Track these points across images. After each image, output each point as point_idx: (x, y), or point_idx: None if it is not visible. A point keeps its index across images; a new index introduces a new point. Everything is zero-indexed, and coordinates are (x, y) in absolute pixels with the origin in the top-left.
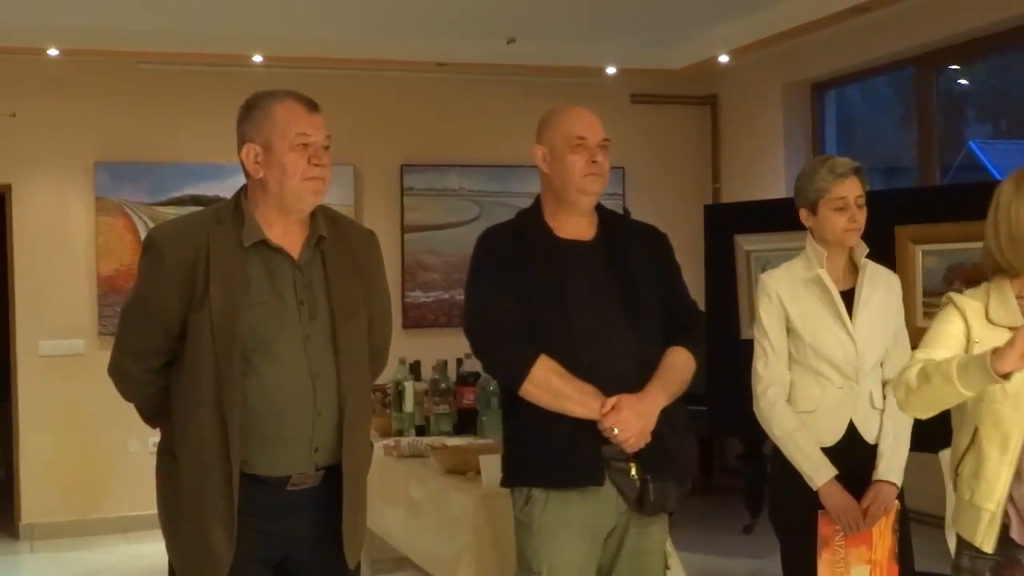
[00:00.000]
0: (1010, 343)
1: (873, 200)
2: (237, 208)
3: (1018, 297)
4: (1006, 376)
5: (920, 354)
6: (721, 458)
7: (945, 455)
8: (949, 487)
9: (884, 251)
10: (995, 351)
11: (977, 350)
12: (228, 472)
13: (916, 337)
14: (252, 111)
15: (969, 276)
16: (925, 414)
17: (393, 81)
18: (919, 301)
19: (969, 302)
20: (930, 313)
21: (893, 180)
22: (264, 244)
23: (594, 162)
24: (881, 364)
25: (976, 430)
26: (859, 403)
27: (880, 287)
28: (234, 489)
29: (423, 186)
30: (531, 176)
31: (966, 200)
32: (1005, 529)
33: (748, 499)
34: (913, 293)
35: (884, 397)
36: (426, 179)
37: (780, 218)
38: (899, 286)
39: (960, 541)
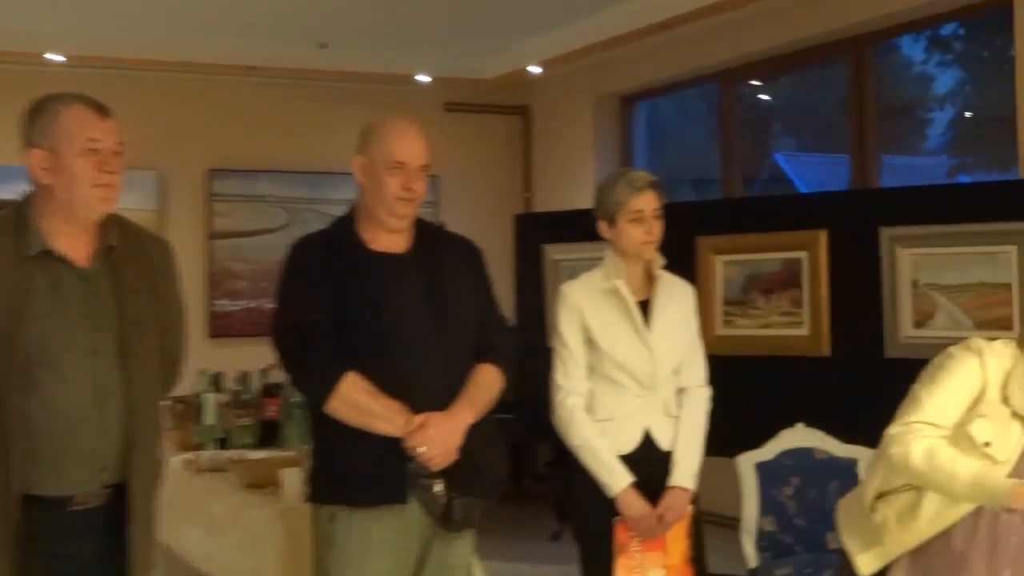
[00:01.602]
0: None
1: (676, 211)
2: (20, 216)
3: None
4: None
5: (921, 416)
6: (532, 465)
7: (742, 460)
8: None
9: (686, 261)
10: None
11: (978, 427)
12: (5, 494)
13: (715, 345)
14: (38, 115)
15: (766, 286)
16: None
17: (201, 84)
18: (719, 310)
19: (996, 360)
20: (730, 321)
21: (703, 191)
22: (48, 254)
23: (409, 188)
24: (676, 372)
25: None
26: (655, 411)
27: (676, 297)
28: (11, 512)
29: (232, 192)
30: (343, 183)
31: (766, 212)
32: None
33: (557, 506)
34: (713, 302)
35: (679, 405)
36: (235, 184)
37: (588, 228)
38: (693, 296)
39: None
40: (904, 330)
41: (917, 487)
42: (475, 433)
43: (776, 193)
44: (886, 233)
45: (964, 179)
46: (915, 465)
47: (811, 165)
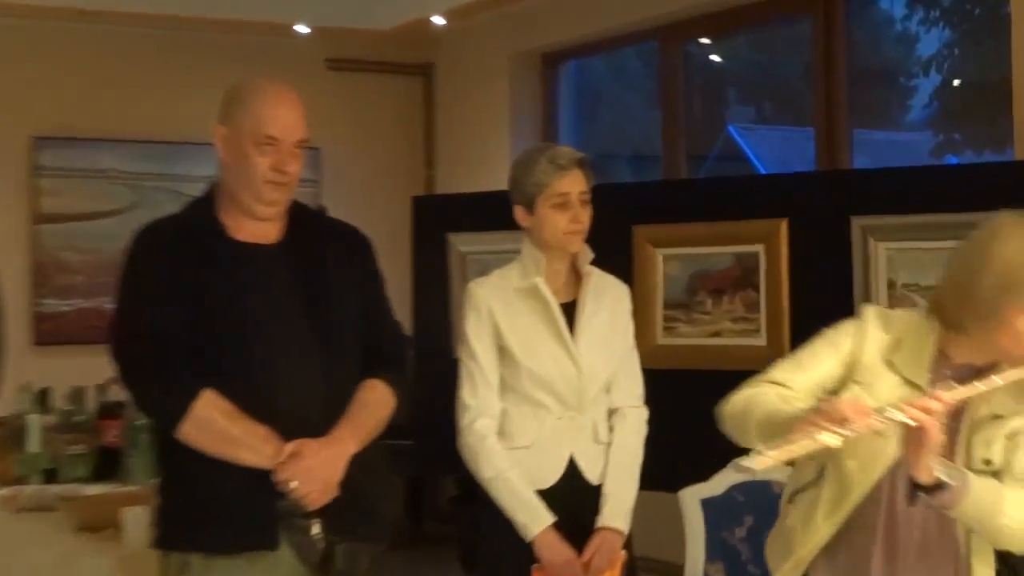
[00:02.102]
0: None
1: (608, 195)
2: None
3: (940, 352)
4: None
5: (777, 372)
6: (432, 502)
7: (685, 495)
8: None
9: (620, 255)
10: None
11: (850, 394)
12: None
13: (654, 357)
14: None
15: (715, 286)
16: (744, 445)
17: (21, 31)
18: (659, 315)
19: (883, 324)
20: (673, 328)
21: (642, 171)
22: None
23: (281, 170)
24: (608, 389)
25: (824, 469)
26: (581, 436)
27: (607, 299)
28: None
29: (62, 165)
30: (202, 156)
31: (716, 196)
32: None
33: (463, 551)
34: (652, 305)
35: (611, 429)
36: (66, 156)
37: (503, 214)
38: (628, 298)
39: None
40: None
41: (818, 483)
42: (361, 464)
43: (729, 174)
44: (858, 223)
45: (952, 160)
46: (726, 410)
47: (771, 140)
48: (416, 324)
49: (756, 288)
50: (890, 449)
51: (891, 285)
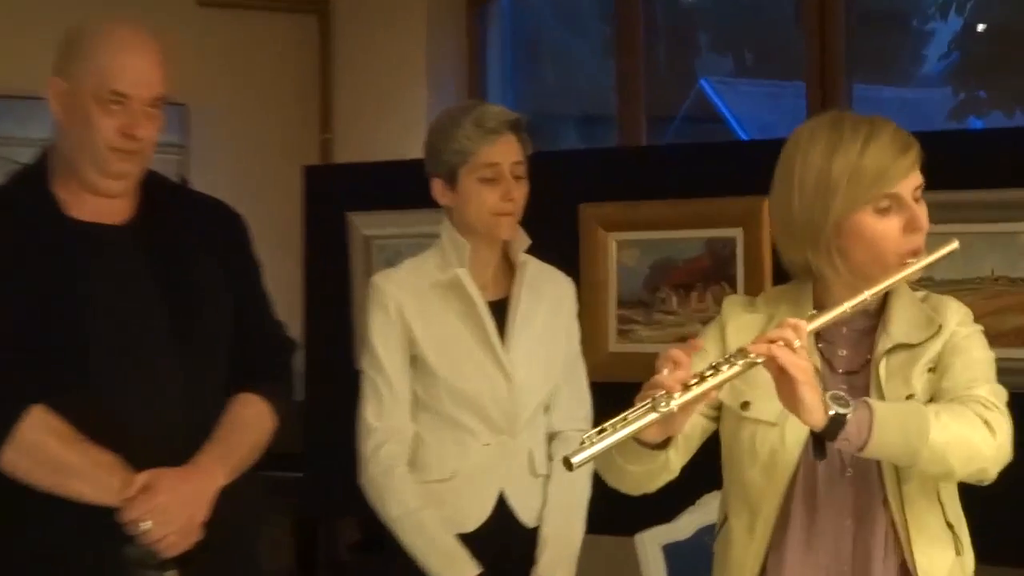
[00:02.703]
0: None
1: (549, 166)
2: None
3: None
4: (664, 443)
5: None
6: (328, 550)
7: (644, 538)
8: None
9: (564, 240)
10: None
11: (727, 391)
12: None
13: (606, 367)
14: None
15: (682, 279)
16: (629, 490)
17: None
18: (612, 315)
19: (738, 315)
20: (629, 331)
21: (593, 135)
22: None
23: (131, 136)
24: (547, 409)
25: (727, 503)
26: (514, 468)
27: (547, 296)
28: None
29: None
30: (33, 113)
31: (684, 167)
32: None
33: None
34: (604, 303)
35: (550, 458)
36: None
37: (417, 190)
38: (573, 295)
39: None
40: None
41: (726, 521)
42: (231, 500)
43: (700, 139)
44: None
45: (974, 123)
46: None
47: (752, 97)
48: (308, 326)
49: (732, 282)
50: (793, 446)
51: None
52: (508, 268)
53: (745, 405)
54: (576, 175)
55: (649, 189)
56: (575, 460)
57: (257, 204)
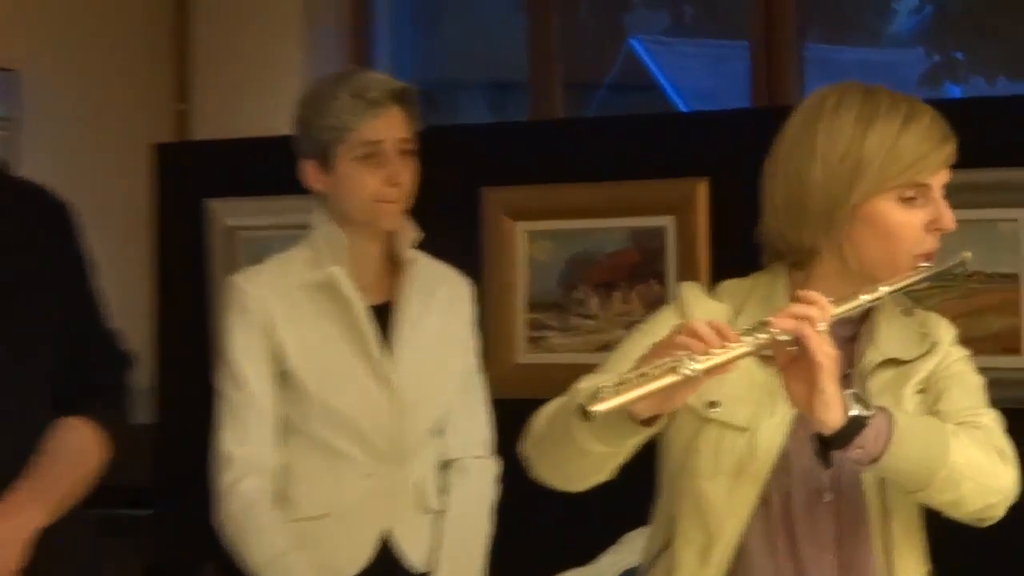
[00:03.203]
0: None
1: (445, 144)
2: None
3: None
4: (648, 422)
5: (583, 383)
6: None
7: None
8: None
9: (463, 232)
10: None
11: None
12: None
13: (514, 382)
14: None
15: (604, 277)
16: (563, 482)
17: None
18: (520, 320)
19: (704, 301)
20: (541, 339)
21: (502, 106)
22: None
23: None
24: (439, 432)
25: (674, 522)
26: (400, 502)
27: (439, 299)
28: None
29: None
30: None
31: (606, 144)
32: None
33: None
34: (510, 306)
35: (444, 491)
36: None
37: (287, 172)
38: (470, 297)
39: None
40: None
41: (665, 542)
42: (56, 545)
43: (629, 111)
44: None
45: (951, 90)
46: (531, 436)
47: (690, 56)
48: (160, 334)
49: (662, 279)
50: (764, 458)
51: None
52: (393, 266)
53: (712, 404)
54: (478, 154)
55: (566, 170)
56: (594, 410)
57: (100, 188)
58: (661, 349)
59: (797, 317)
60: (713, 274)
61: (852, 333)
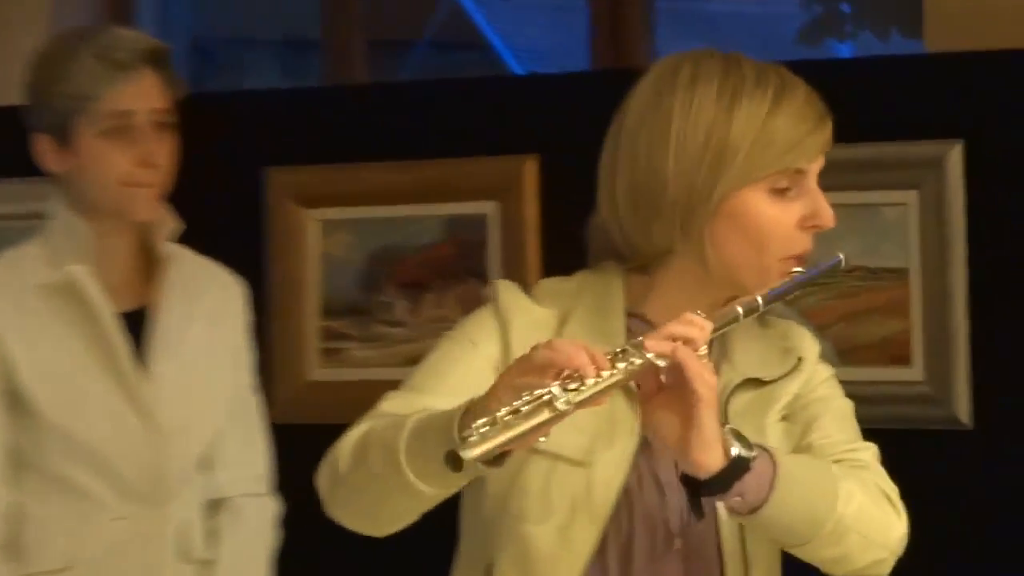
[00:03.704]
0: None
1: (216, 115)
2: None
3: (636, 317)
4: (495, 461)
5: (389, 404)
6: None
7: None
8: None
9: (241, 222)
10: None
11: None
12: None
13: (303, 403)
14: None
15: (414, 276)
16: (370, 526)
17: None
18: (313, 328)
19: (525, 305)
20: (337, 351)
21: (293, 70)
22: None
23: None
24: (207, 466)
25: (490, 572)
26: (160, 550)
27: (206, 306)
28: None
29: None
30: None
31: (416, 115)
32: None
33: None
34: (299, 311)
35: (214, 536)
36: None
37: (17, 149)
38: (243, 301)
39: None
40: None
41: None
42: None
43: (448, 74)
44: None
45: (839, 48)
46: (346, 467)
47: (525, 13)
48: None
49: (484, 278)
50: (604, 497)
51: None
52: (149, 264)
53: (499, 461)
54: (259, 127)
55: (367, 146)
56: (467, 456)
57: None
58: (524, 375)
59: (675, 339)
60: (545, 271)
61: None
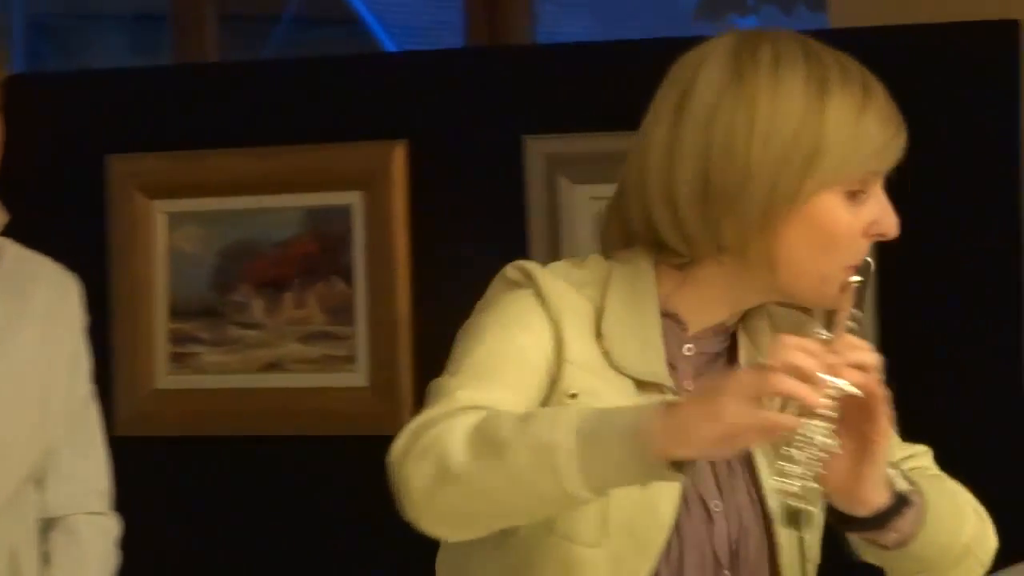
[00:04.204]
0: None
1: (48, 97)
2: None
3: (668, 316)
4: (679, 466)
5: (465, 394)
6: None
7: None
8: None
9: (76, 214)
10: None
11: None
12: None
13: (149, 415)
14: None
15: (271, 274)
16: (452, 530)
17: None
18: (160, 331)
19: (568, 295)
20: (188, 356)
21: (158, 44)
22: None
23: None
24: (37, 480)
25: None
26: None
27: (35, 306)
28: None
29: None
30: None
31: (269, 97)
32: None
33: None
34: (146, 313)
35: (46, 561)
36: None
37: None
38: (79, 299)
39: None
40: None
41: None
42: None
43: (309, 53)
44: (539, 148)
45: (739, 23)
46: (459, 464)
47: None
48: None
49: (347, 275)
50: (662, 522)
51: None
52: None
53: (573, 395)
54: (99, 110)
55: (219, 131)
56: (787, 488)
57: None
58: (759, 392)
59: (860, 366)
60: (413, 267)
61: (722, 347)
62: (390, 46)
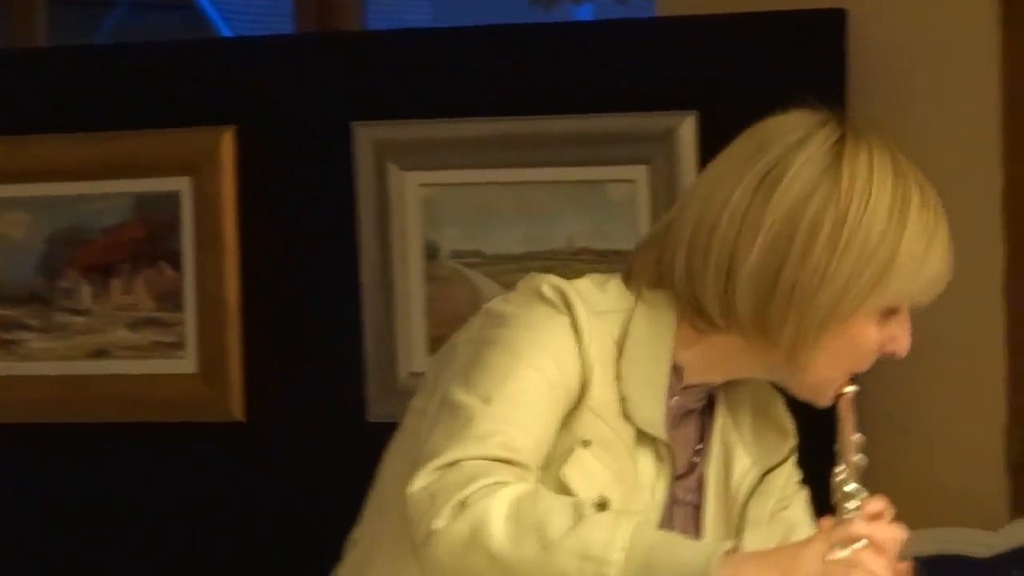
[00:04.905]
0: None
1: None
2: None
3: (672, 367)
4: None
5: (496, 441)
6: None
7: None
8: None
9: None
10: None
11: (579, 464)
12: None
13: None
14: None
15: (98, 259)
16: None
17: None
18: None
19: (595, 325)
20: (9, 342)
21: None
22: None
23: None
24: None
25: None
26: None
27: None
28: None
29: None
30: None
31: (86, 82)
32: None
33: None
34: None
35: None
36: None
37: None
38: None
39: None
40: (412, 361)
41: None
42: None
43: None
44: (368, 135)
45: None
46: (503, 546)
47: None
48: None
49: (175, 260)
50: None
51: (432, 255)
52: None
53: (602, 504)
54: None
55: (40, 117)
56: None
57: None
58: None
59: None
60: (242, 252)
61: (700, 406)
62: (226, 32)
